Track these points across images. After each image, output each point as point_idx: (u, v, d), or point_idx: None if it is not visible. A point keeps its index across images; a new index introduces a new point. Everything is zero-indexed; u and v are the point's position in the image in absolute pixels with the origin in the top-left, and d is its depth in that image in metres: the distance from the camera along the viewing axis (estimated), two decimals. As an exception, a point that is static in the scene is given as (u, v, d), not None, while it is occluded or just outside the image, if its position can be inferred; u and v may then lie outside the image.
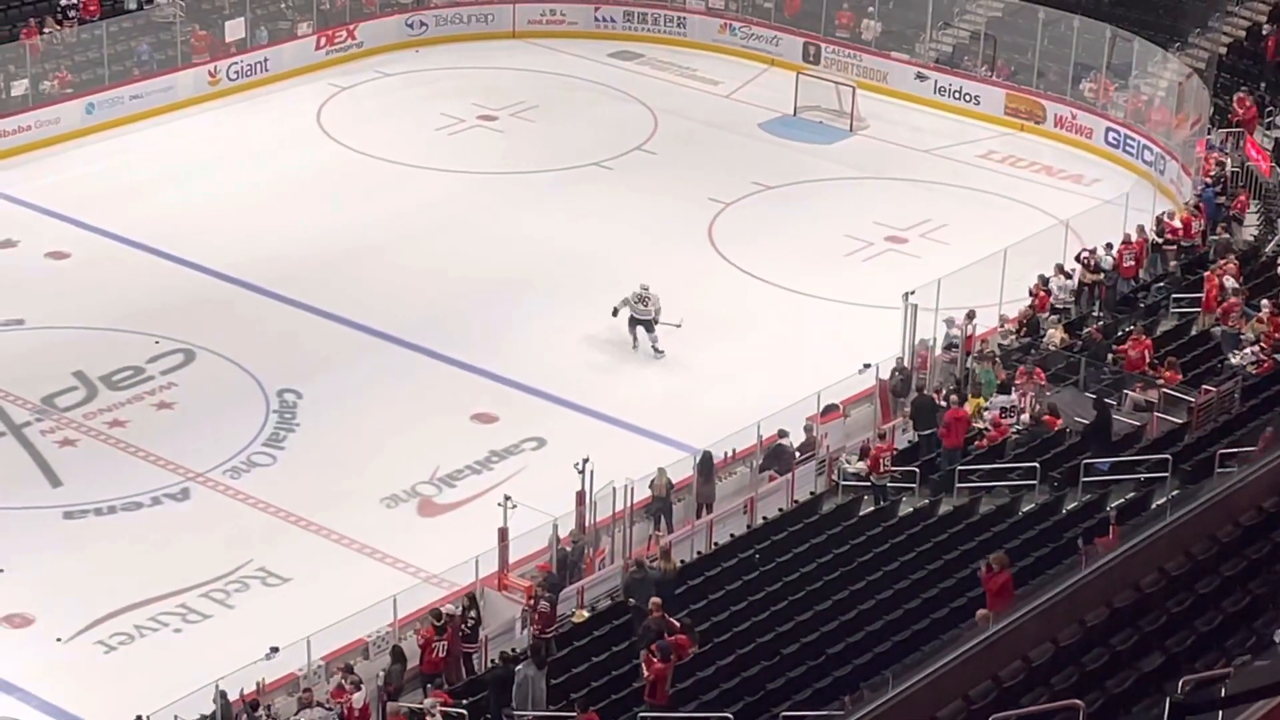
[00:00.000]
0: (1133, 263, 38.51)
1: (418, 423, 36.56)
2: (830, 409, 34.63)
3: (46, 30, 49.40)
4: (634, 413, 36.83)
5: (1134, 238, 39.08)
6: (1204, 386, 32.17)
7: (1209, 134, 44.51)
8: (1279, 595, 21.65)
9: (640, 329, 38.90)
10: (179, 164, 47.44)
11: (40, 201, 45.05)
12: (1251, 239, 40.32)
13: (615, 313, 38.96)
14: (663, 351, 38.80)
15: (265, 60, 51.92)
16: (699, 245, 43.76)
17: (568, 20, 55.79)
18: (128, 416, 36.36)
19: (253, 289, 41.27)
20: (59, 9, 50.29)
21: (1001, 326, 36.41)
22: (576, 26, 55.75)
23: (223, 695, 26.59)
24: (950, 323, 35.91)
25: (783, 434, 33.11)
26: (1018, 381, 33.55)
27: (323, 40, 53.11)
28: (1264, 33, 48.29)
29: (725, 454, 33.46)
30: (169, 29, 50.95)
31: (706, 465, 32.54)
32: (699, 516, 32.16)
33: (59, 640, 30.48)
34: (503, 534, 30.12)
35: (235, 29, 51.42)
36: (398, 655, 27.92)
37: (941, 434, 32.34)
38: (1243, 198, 41.75)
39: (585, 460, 30.57)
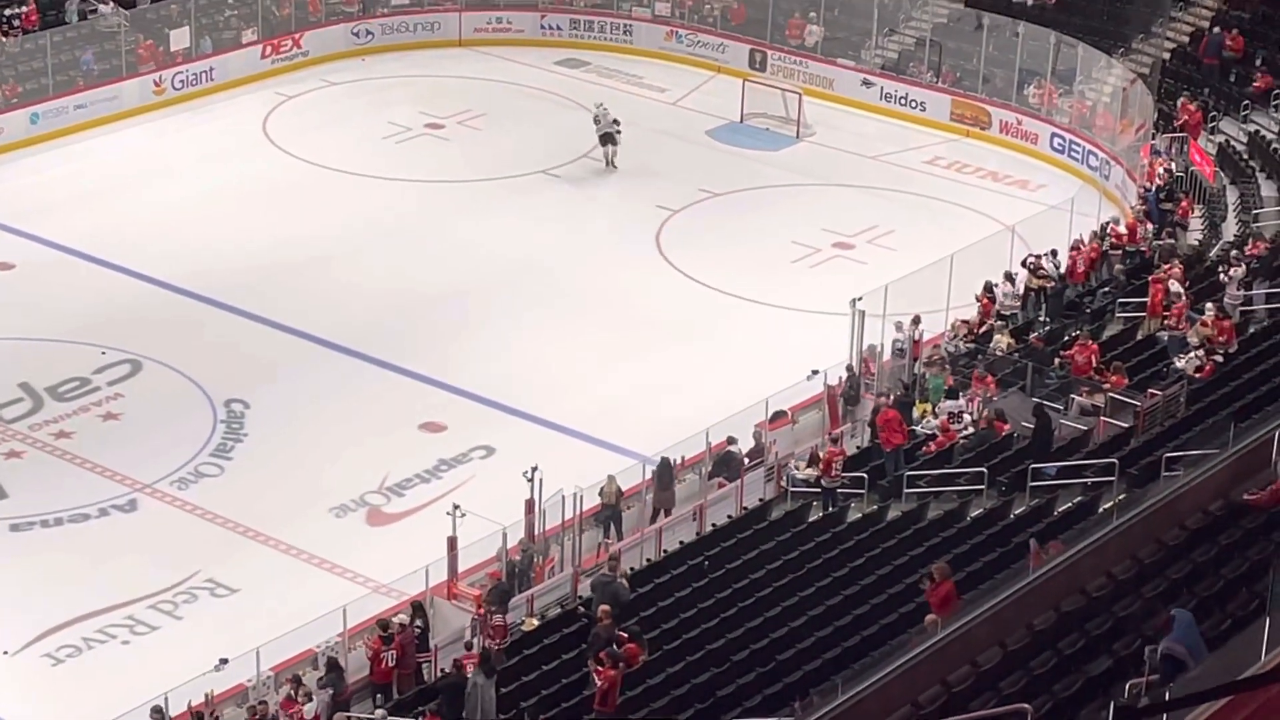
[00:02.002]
0: (1084, 267, 38.64)
1: (366, 432, 36.46)
2: (778, 415, 34.69)
3: (-11, 40, 49.22)
4: (582, 421, 36.79)
5: (1087, 242, 39.24)
6: (1150, 390, 32.30)
7: (1153, 139, 44.74)
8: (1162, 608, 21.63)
9: (610, 146, 46.94)
10: (124, 174, 47.21)
11: (-16, 212, 44.85)
12: (1196, 244, 40.52)
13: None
14: (616, 167, 46.75)
15: (210, 69, 51.74)
16: (646, 252, 43.75)
17: (514, 28, 55.73)
18: (74, 428, 36.18)
19: (199, 299, 41.09)
20: (2, 19, 50.02)
21: (950, 331, 36.49)
22: (523, 34, 55.70)
23: (157, 711, 26.44)
24: (898, 327, 36.00)
25: (731, 441, 33.15)
26: (972, 387, 33.62)
27: (268, 49, 52.94)
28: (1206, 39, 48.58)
29: (674, 461, 33.45)
30: (113, 39, 50.72)
31: (664, 472, 32.53)
32: (652, 522, 32.15)
33: (5, 653, 30.30)
34: (452, 543, 30.10)
35: (180, 38, 51.23)
36: (332, 665, 27.72)
37: (881, 440, 32.42)
38: (1186, 203, 41.97)
39: (534, 468, 30.59)
